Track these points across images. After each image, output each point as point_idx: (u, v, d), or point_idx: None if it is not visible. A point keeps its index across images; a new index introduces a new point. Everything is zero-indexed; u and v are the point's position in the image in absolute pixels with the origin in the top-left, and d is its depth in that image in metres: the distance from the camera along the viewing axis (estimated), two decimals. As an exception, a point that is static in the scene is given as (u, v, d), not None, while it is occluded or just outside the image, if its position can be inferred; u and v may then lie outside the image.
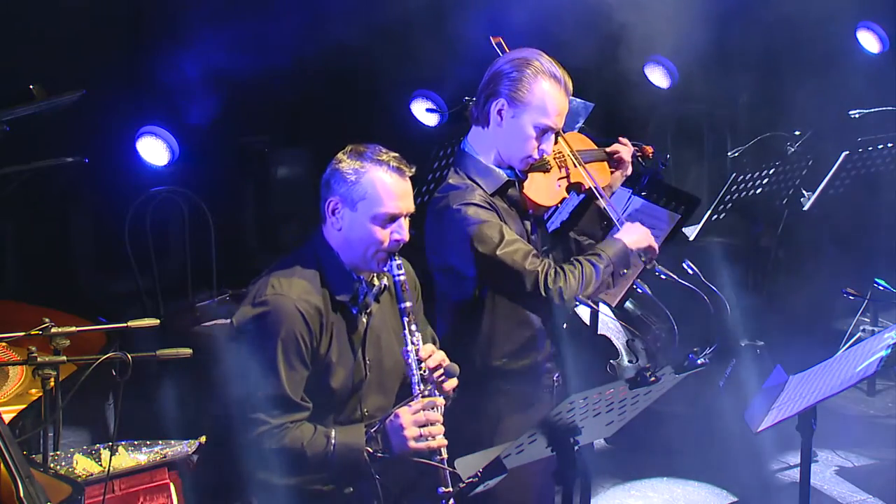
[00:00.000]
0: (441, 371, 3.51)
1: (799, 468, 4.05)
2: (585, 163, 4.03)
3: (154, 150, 6.50)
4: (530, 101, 3.78)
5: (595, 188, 3.97)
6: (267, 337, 3.36)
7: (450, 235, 3.78)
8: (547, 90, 3.78)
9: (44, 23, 6.24)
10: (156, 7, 6.72)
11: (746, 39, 8.03)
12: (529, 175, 3.90)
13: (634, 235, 3.89)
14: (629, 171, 4.19)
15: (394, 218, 3.45)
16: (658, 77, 8.07)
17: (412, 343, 3.48)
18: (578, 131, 4.65)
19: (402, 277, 3.49)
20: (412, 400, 3.44)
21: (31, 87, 5.12)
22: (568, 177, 3.99)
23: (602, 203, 3.98)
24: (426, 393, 3.45)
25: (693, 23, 7.08)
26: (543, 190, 3.92)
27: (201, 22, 6.29)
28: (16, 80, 5.37)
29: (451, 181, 3.85)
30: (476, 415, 3.86)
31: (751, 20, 7.93)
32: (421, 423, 3.41)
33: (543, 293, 3.70)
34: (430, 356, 3.50)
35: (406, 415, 3.41)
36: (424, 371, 3.48)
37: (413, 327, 3.49)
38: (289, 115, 6.98)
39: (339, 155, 3.49)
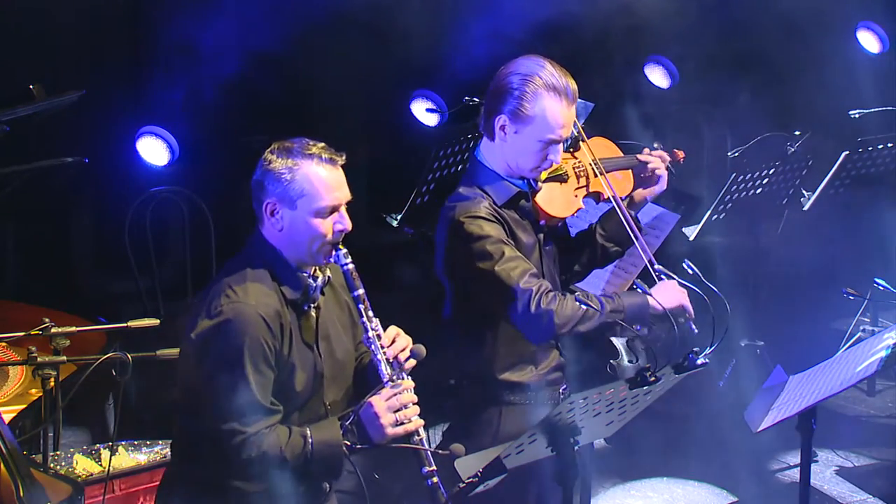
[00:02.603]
0: (408, 354, 3.49)
1: (799, 468, 4.04)
2: (608, 171, 3.97)
3: (154, 150, 6.50)
4: (532, 116, 3.73)
5: (614, 198, 3.91)
6: (232, 346, 3.31)
7: (453, 248, 3.77)
8: (548, 105, 3.72)
9: (44, 23, 6.24)
10: (155, 7, 6.72)
11: (746, 39, 8.03)
12: (545, 185, 3.87)
13: (664, 296, 3.78)
14: (664, 185, 4.10)
15: (334, 209, 3.44)
16: (658, 77, 8.06)
17: (372, 329, 3.47)
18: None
19: (350, 266, 3.48)
20: (382, 387, 3.41)
21: (31, 87, 5.13)
22: (587, 186, 3.95)
23: (620, 215, 3.91)
24: (394, 377, 3.43)
25: (693, 22, 7.08)
26: (558, 201, 3.89)
27: (200, 21, 6.28)
28: (16, 80, 5.38)
29: (461, 191, 3.82)
30: (478, 426, 3.83)
31: (751, 20, 7.93)
32: (395, 407, 3.38)
33: (533, 311, 3.64)
34: (394, 341, 3.48)
35: (379, 402, 3.38)
36: (389, 354, 3.46)
37: (370, 313, 3.48)
38: (288, 114, 6.97)
39: (267, 155, 3.49)
